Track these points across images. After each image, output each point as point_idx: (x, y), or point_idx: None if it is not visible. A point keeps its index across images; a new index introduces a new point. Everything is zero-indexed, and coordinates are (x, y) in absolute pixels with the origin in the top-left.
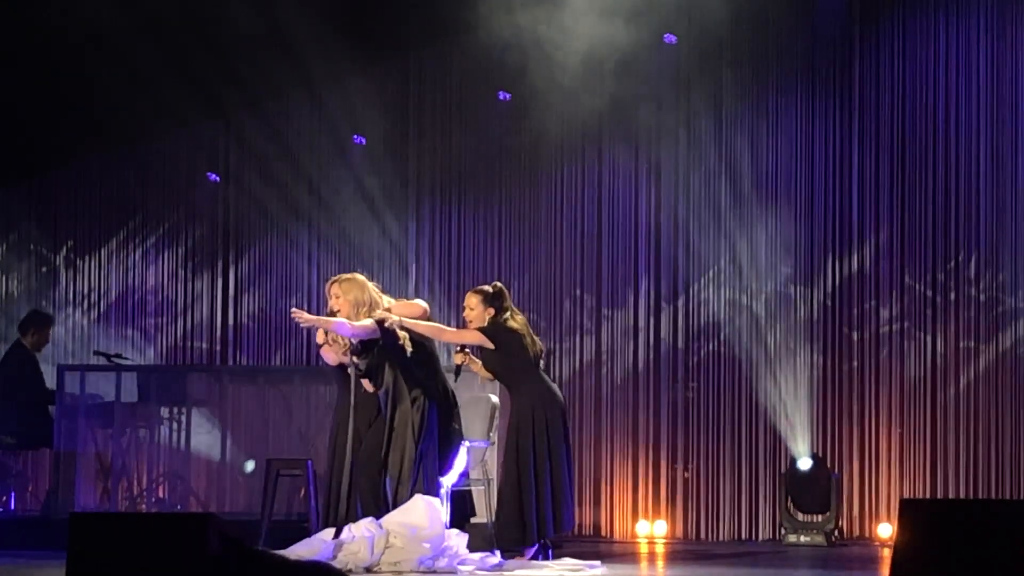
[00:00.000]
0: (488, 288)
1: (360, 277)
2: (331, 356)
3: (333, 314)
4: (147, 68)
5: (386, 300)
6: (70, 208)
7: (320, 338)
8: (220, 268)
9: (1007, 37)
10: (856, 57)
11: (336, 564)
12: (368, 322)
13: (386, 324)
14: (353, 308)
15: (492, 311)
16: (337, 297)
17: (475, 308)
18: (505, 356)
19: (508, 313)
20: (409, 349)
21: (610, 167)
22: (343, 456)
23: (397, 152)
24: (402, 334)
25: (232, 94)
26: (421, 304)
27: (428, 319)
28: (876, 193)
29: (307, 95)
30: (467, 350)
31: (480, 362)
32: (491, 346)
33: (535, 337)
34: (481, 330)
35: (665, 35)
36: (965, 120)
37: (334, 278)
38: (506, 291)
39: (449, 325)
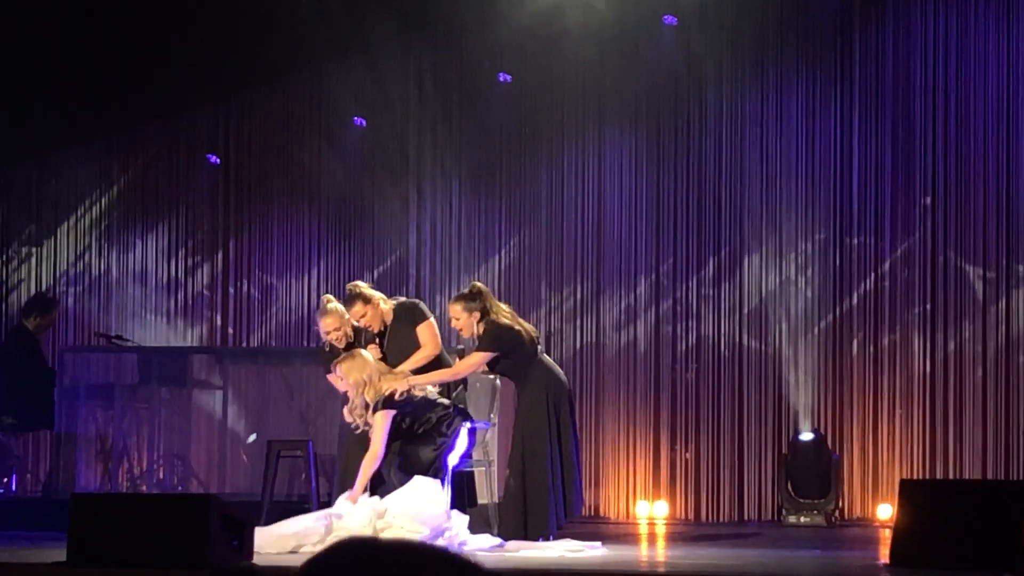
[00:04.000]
0: (466, 291)
1: (360, 355)
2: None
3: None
4: (148, 48)
5: (381, 298)
6: (71, 189)
7: (349, 417)
8: (220, 249)
9: (1008, 17)
10: (856, 39)
11: (329, 540)
12: (381, 426)
13: (396, 397)
14: (355, 388)
15: (477, 314)
16: (341, 379)
17: (460, 317)
18: (510, 356)
19: (495, 311)
20: (437, 397)
21: (610, 149)
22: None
23: (398, 134)
24: (420, 393)
25: (233, 75)
26: (436, 345)
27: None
28: (878, 175)
29: (308, 76)
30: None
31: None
32: (497, 353)
33: (526, 325)
34: (484, 348)
35: (665, 16)
36: (966, 101)
37: (336, 359)
38: (484, 288)
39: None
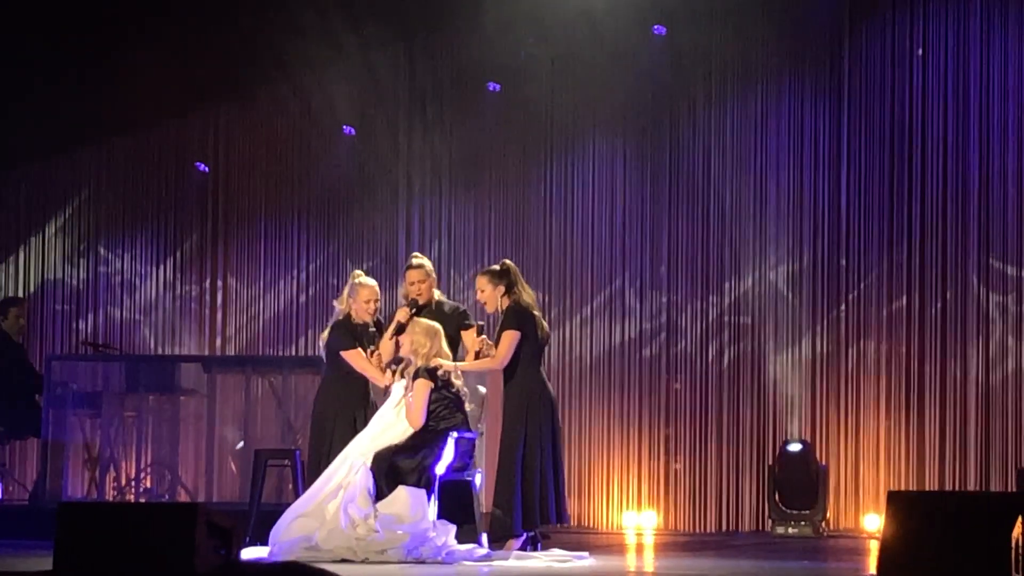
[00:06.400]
0: (495, 267)
1: (435, 326)
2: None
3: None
4: (138, 58)
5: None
6: (58, 196)
7: (388, 380)
8: (208, 257)
9: (997, 24)
10: (846, 48)
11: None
12: (421, 394)
13: (439, 373)
14: (411, 349)
15: (503, 288)
16: (406, 333)
17: (485, 289)
18: (522, 341)
19: (519, 289)
20: (466, 400)
21: (598, 158)
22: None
23: (387, 143)
24: (458, 382)
25: (222, 84)
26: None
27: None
28: (866, 183)
29: (297, 85)
30: (484, 336)
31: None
32: (521, 331)
33: (542, 321)
34: (511, 326)
35: (654, 26)
36: (958, 115)
37: (415, 320)
38: (514, 267)
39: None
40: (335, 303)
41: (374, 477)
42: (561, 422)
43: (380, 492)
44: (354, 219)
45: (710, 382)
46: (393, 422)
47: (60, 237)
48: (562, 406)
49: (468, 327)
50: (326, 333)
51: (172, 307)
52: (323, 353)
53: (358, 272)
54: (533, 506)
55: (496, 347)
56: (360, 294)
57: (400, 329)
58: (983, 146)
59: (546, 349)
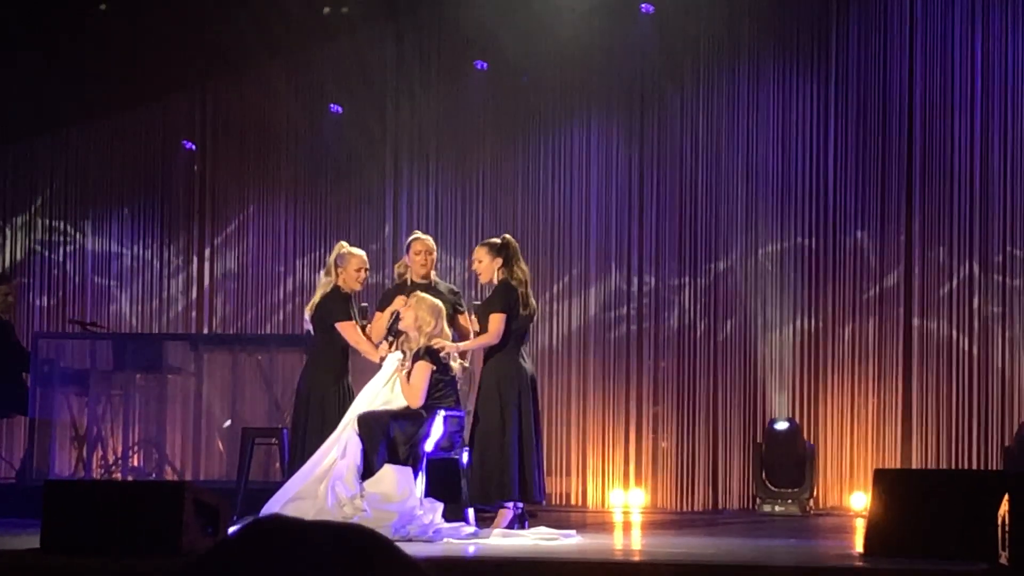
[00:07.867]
0: (496, 240)
1: (439, 306)
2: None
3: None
4: (124, 35)
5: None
6: (45, 173)
7: (385, 351)
8: (195, 235)
9: (983, 9)
10: (833, 26)
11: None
12: (422, 376)
13: (441, 355)
14: (414, 324)
15: (500, 261)
16: (409, 307)
17: (483, 260)
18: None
19: (515, 264)
20: (460, 382)
21: (587, 134)
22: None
23: (375, 120)
24: (456, 365)
25: (208, 61)
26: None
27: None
28: (854, 161)
29: (284, 63)
30: (474, 317)
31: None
32: (507, 312)
33: (531, 299)
34: (499, 308)
35: (642, 5)
36: (940, 93)
37: (421, 295)
38: (513, 242)
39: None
40: (321, 274)
41: (361, 439)
42: (541, 401)
43: (367, 457)
44: (341, 197)
45: (698, 360)
46: (388, 400)
47: (46, 215)
48: (549, 384)
49: (461, 311)
50: (315, 302)
51: (158, 284)
52: (310, 325)
53: (343, 243)
54: (507, 482)
55: (481, 325)
56: (350, 263)
57: (398, 319)
58: (970, 124)
59: (533, 327)
